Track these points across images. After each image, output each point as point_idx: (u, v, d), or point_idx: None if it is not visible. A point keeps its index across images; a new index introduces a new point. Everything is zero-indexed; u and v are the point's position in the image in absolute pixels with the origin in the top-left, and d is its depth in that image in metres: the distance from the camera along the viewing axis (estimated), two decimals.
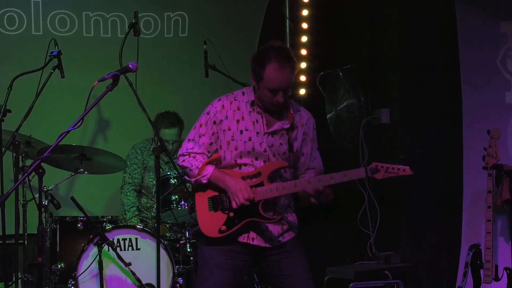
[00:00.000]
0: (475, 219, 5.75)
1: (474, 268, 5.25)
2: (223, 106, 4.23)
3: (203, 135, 4.23)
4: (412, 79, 6.49)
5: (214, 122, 4.21)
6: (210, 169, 4.17)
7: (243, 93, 4.27)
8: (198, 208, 4.20)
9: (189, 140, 4.28)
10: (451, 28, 6.16)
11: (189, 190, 5.53)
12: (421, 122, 6.46)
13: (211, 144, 4.24)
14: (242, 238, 4.18)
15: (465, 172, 6.00)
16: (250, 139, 4.18)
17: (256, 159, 4.19)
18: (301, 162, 4.31)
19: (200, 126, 4.25)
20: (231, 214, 4.14)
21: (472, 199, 5.88)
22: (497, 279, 5.19)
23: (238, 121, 4.20)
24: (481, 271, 5.22)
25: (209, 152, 4.25)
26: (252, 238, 4.18)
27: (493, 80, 5.90)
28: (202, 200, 4.20)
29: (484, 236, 5.22)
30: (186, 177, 4.30)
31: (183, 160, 4.24)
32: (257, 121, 4.20)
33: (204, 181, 4.17)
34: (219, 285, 4.16)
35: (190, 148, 4.24)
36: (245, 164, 4.20)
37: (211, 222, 4.16)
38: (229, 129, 4.20)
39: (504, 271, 5.20)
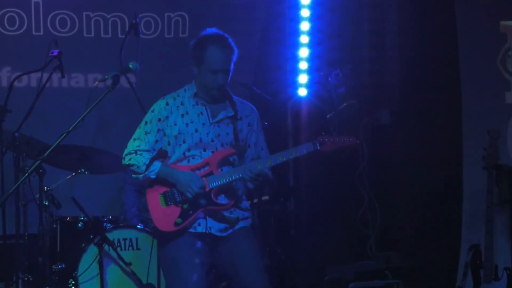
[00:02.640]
0: (475, 219, 5.75)
1: (474, 268, 5.25)
2: (167, 103, 4.34)
3: (148, 133, 4.32)
4: (412, 79, 6.50)
5: (159, 119, 4.31)
6: (157, 164, 4.25)
7: (185, 89, 4.39)
8: (151, 205, 4.26)
9: (134, 139, 4.34)
10: (451, 28, 6.16)
11: None
12: (421, 122, 6.46)
13: (156, 141, 4.31)
14: (199, 229, 4.22)
15: (465, 172, 6.00)
16: (196, 130, 4.27)
17: (204, 150, 4.27)
18: (248, 153, 4.38)
19: (145, 124, 4.34)
20: (185, 206, 4.19)
21: (472, 199, 5.88)
22: (497, 279, 5.20)
23: (183, 115, 4.30)
24: (481, 271, 5.23)
25: (154, 150, 4.31)
26: (209, 227, 4.23)
27: (493, 80, 5.90)
28: (153, 196, 4.26)
29: (484, 236, 5.22)
30: (133, 175, 4.33)
31: (130, 159, 4.30)
32: (201, 113, 4.30)
33: (153, 176, 4.24)
34: (191, 281, 4.16)
35: (136, 146, 4.30)
36: (193, 157, 4.27)
37: (165, 217, 4.21)
38: (175, 124, 4.28)
39: (504, 271, 5.21)
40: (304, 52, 7.01)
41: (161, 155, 4.28)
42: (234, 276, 4.29)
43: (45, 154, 3.88)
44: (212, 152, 4.27)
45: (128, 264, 5.38)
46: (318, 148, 4.15)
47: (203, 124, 4.27)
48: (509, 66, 5.82)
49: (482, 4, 5.99)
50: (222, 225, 4.25)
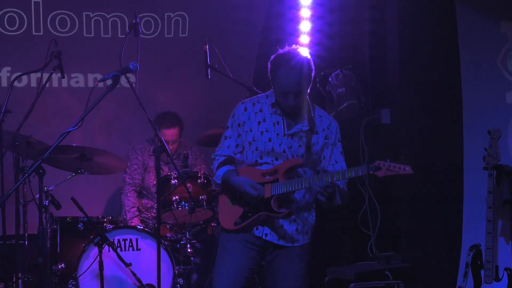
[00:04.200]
0: (475, 220, 5.74)
1: (474, 269, 5.25)
2: (245, 108, 4.40)
3: (229, 138, 4.43)
4: (412, 80, 6.49)
5: (239, 125, 4.39)
6: (222, 170, 4.38)
7: (267, 96, 4.42)
8: (220, 201, 4.44)
9: (219, 144, 4.49)
10: (452, 28, 6.16)
11: (189, 190, 5.54)
12: (421, 122, 6.45)
13: (237, 146, 4.42)
14: (257, 233, 4.31)
15: (466, 173, 5.99)
16: (270, 140, 4.31)
17: (276, 159, 4.31)
18: (322, 165, 4.39)
19: (227, 129, 4.45)
20: (247, 208, 4.30)
21: (472, 200, 5.88)
22: (497, 279, 5.19)
23: (259, 122, 4.34)
24: (482, 272, 5.22)
25: (235, 154, 4.43)
26: (265, 234, 4.31)
27: (493, 80, 5.90)
28: (224, 196, 4.43)
29: (484, 237, 5.22)
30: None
31: (212, 165, 4.50)
32: (278, 123, 4.33)
33: (218, 181, 4.40)
34: (233, 267, 4.30)
35: (216, 152, 4.48)
36: (266, 163, 4.33)
37: (229, 215, 4.36)
38: (251, 131, 4.35)
39: (505, 272, 5.20)
40: None
41: (231, 161, 4.42)
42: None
43: (45, 155, 3.87)
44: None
45: (128, 265, 5.37)
46: (372, 173, 4.10)
47: (277, 134, 4.31)
48: (510, 66, 5.82)
49: (483, 4, 5.98)
50: (280, 233, 4.31)
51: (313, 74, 4.30)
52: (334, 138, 4.41)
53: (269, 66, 4.33)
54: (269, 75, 4.33)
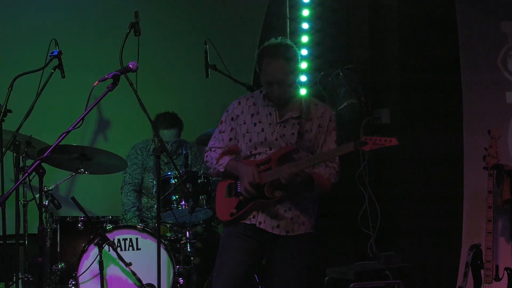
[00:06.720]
0: (475, 219, 5.74)
1: (474, 268, 5.25)
2: (239, 102, 4.51)
3: (223, 132, 4.52)
4: (412, 79, 6.49)
5: (232, 118, 4.48)
6: (226, 159, 4.45)
7: (261, 91, 4.51)
8: (217, 195, 4.50)
9: (213, 137, 4.59)
10: (452, 28, 6.16)
11: (190, 190, 5.55)
12: (421, 122, 6.45)
13: (230, 139, 4.51)
14: (250, 220, 4.36)
15: (466, 172, 5.99)
16: (262, 130, 4.39)
17: (270, 149, 4.38)
18: (316, 153, 4.42)
19: (221, 123, 4.55)
20: (242, 198, 4.35)
21: (472, 199, 5.88)
22: (497, 279, 5.19)
23: (252, 115, 4.43)
24: (482, 271, 5.22)
25: (228, 147, 4.51)
26: (259, 222, 4.35)
27: (493, 80, 5.90)
28: (221, 188, 4.49)
29: (484, 236, 5.22)
30: (209, 171, 4.60)
31: (206, 156, 4.57)
32: (270, 114, 4.41)
33: (221, 169, 4.45)
34: (232, 264, 4.33)
35: (212, 144, 4.56)
36: (260, 154, 4.39)
37: (225, 207, 4.41)
38: (244, 123, 4.44)
39: (505, 271, 5.20)
40: (304, 52, 7.00)
41: (232, 150, 4.49)
42: (268, 281, 4.46)
43: (45, 154, 3.88)
44: None
45: (128, 264, 5.37)
46: (359, 148, 4.14)
47: (270, 124, 4.38)
48: (510, 66, 5.82)
49: (483, 4, 5.98)
50: (274, 222, 4.35)
51: (299, 64, 4.36)
52: (327, 126, 4.44)
53: (256, 58, 4.39)
54: (256, 67, 4.39)
